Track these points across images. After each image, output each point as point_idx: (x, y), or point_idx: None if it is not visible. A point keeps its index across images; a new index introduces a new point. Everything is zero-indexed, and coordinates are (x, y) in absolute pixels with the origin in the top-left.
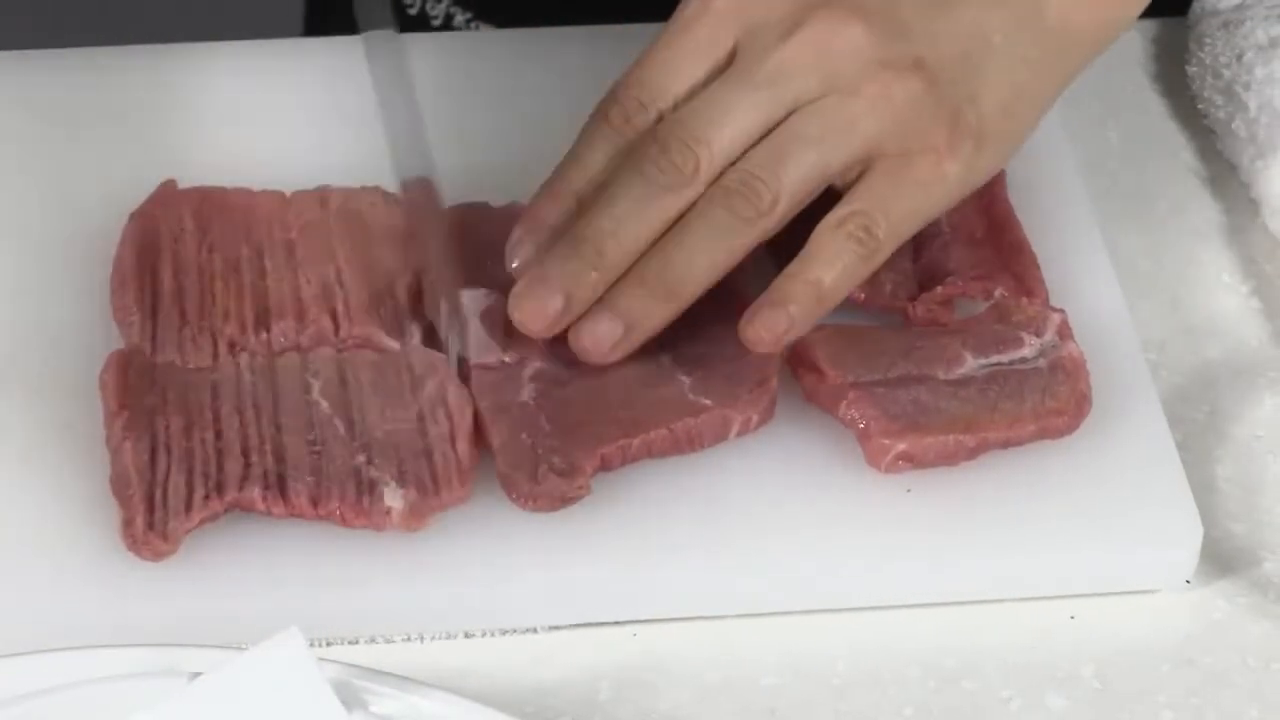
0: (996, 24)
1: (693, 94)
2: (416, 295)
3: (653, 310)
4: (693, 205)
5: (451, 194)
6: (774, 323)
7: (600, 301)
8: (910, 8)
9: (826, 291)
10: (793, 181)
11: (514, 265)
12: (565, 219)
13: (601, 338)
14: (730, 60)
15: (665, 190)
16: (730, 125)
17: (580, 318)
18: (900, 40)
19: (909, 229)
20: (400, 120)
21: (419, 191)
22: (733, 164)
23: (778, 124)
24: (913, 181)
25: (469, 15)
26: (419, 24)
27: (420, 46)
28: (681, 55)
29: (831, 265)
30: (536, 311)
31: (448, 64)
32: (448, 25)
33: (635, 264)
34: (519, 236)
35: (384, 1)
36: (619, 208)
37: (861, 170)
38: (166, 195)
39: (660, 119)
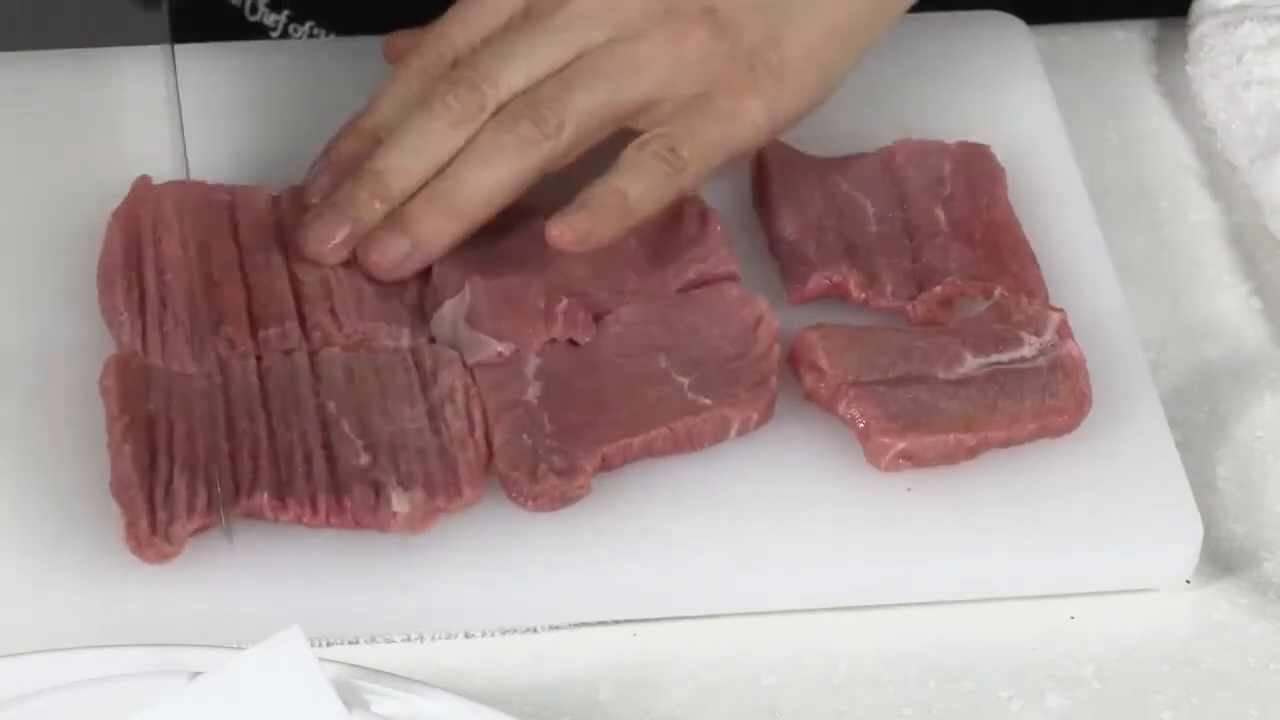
0: None
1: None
2: (421, 292)
3: (440, 226)
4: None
5: None
6: (576, 222)
7: (388, 220)
8: None
9: (632, 203)
10: (579, 109)
11: (311, 199)
12: (362, 156)
13: (389, 252)
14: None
15: (451, 125)
16: (518, 65)
17: (368, 236)
18: None
19: (716, 157)
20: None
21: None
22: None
23: (566, 66)
24: (714, 113)
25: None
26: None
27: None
28: (483, 11)
29: (637, 179)
30: (322, 238)
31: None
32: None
33: (424, 186)
34: (316, 170)
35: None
36: (406, 142)
37: (658, 114)
38: (146, 192)
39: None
